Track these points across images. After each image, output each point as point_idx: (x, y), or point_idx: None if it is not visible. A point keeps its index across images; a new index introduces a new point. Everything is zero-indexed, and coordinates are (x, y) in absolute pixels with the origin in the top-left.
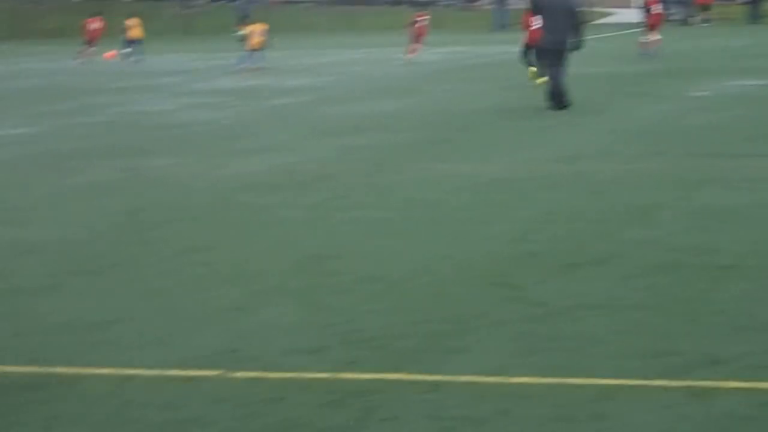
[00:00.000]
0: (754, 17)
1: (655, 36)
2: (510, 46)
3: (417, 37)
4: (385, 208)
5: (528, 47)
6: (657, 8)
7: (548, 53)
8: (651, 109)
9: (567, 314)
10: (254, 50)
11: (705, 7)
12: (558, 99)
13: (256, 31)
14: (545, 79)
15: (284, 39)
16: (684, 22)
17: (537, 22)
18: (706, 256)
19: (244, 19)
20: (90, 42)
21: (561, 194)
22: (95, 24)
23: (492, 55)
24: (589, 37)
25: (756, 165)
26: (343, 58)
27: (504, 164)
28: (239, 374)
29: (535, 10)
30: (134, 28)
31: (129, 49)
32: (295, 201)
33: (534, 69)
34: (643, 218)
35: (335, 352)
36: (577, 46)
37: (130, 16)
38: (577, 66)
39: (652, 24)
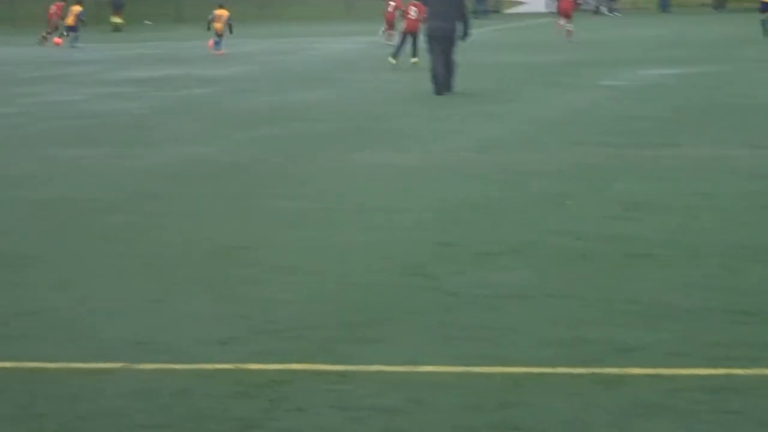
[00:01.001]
0: (664, 7)
1: (569, 24)
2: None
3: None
4: (300, 199)
5: (405, 35)
6: None
7: (437, 41)
8: (565, 98)
9: (480, 303)
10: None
11: None
12: (445, 85)
13: (222, 16)
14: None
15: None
16: (596, 12)
17: (413, 12)
18: (620, 245)
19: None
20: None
21: (476, 184)
22: (53, 8)
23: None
24: (502, 27)
25: (669, 154)
26: (259, 49)
27: (419, 154)
28: (147, 366)
29: (424, 1)
30: (73, 15)
31: (68, 35)
32: (208, 192)
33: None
34: (558, 207)
35: (246, 342)
36: (464, 35)
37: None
38: (490, 56)
39: (564, 12)
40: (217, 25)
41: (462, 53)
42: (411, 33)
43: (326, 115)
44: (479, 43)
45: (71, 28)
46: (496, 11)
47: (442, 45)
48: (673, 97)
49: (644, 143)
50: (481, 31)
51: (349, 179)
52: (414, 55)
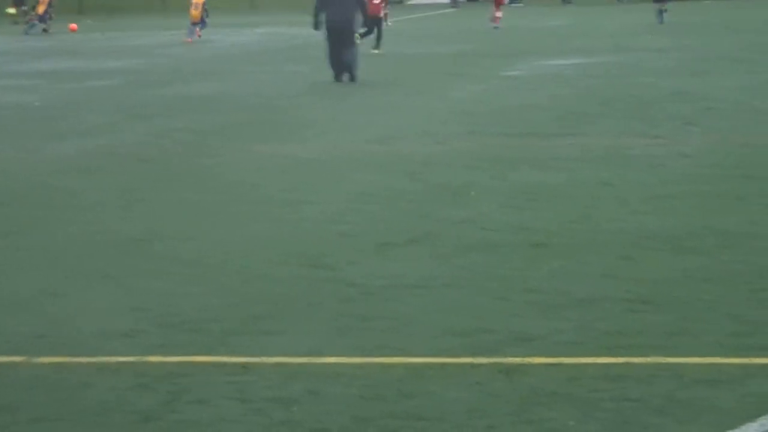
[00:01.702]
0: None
1: (498, 12)
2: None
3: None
4: (202, 191)
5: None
6: None
7: (335, 32)
8: (466, 89)
9: (380, 294)
10: (194, 23)
11: None
12: (350, 74)
13: (199, 3)
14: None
15: (99, 21)
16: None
17: None
18: (519, 235)
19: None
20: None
21: (376, 175)
22: None
23: (311, 35)
24: (404, 18)
25: (567, 144)
26: (161, 40)
27: (321, 145)
28: (48, 359)
29: None
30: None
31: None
32: (110, 185)
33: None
34: (458, 198)
35: (148, 335)
36: (362, 26)
37: None
38: (392, 47)
39: (498, 1)
40: (194, 12)
41: (366, 45)
42: (374, 18)
43: (229, 106)
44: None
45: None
46: (399, 1)
47: (340, 36)
48: (573, 88)
49: (544, 133)
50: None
51: (251, 171)
52: (377, 45)
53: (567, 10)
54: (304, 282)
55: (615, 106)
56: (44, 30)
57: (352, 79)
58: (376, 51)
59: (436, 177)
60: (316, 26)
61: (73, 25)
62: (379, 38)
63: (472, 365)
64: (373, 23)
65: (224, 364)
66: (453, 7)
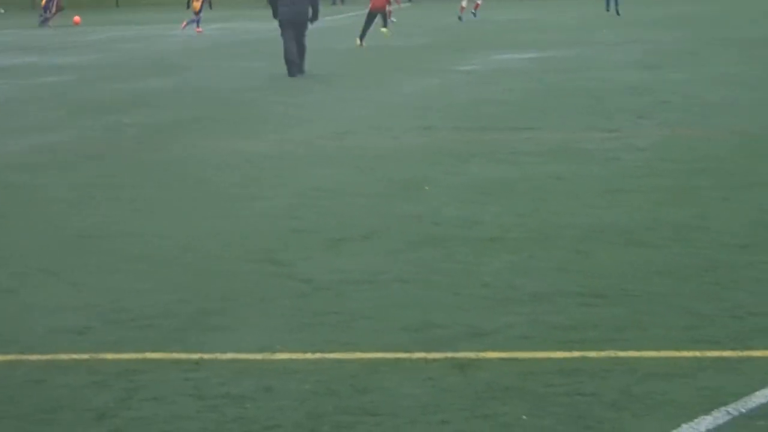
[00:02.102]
0: None
1: (464, 2)
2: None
3: None
4: (153, 187)
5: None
6: None
7: (288, 25)
8: (419, 83)
9: (332, 289)
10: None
11: None
12: (297, 67)
13: None
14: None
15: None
16: None
17: None
18: (471, 229)
19: None
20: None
21: (328, 170)
22: None
23: (264, 31)
24: (357, 12)
25: (521, 138)
26: (114, 36)
27: (273, 141)
28: None
29: None
30: None
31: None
32: (59, 181)
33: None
34: (410, 192)
35: (99, 332)
36: (313, 18)
37: None
38: (345, 41)
39: None
40: (195, 4)
41: (319, 39)
42: (379, 11)
43: (182, 102)
44: (335, 28)
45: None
46: None
47: (294, 29)
48: (527, 81)
49: (498, 127)
50: (336, 18)
51: (203, 166)
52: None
53: (523, 4)
54: (256, 277)
55: (569, 100)
56: (42, 22)
57: (301, 71)
58: (359, 43)
59: (390, 172)
60: (275, 14)
61: (77, 18)
62: (364, 32)
63: (426, 360)
64: (372, 17)
65: (178, 361)
66: (409, 1)
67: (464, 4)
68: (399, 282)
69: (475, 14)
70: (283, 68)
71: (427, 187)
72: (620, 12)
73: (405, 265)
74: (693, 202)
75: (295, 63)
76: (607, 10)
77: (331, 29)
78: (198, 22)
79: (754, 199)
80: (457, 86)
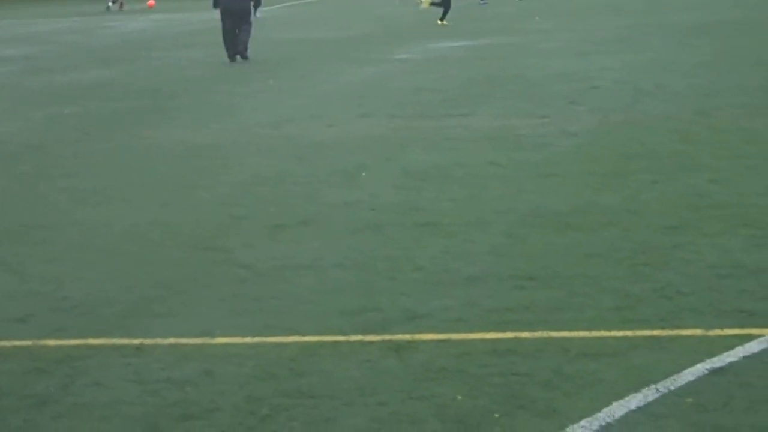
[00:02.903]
0: None
1: None
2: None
3: None
4: (94, 177)
5: None
6: None
7: (229, 15)
8: (357, 72)
9: (272, 275)
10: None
11: None
12: (244, 52)
13: None
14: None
15: None
16: None
17: None
18: (408, 215)
19: None
20: None
21: (268, 158)
22: None
23: (204, 21)
24: (296, 2)
25: (455, 125)
26: (54, 28)
27: (213, 130)
28: None
29: None
30: None
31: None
32: (2, 171)
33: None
34: (348, 179)
35: (41, 319)
36: (255, 9)
37: None
38: (284, 31)
39: None
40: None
41: (259, 29)
42: None
43: (122, 93)
44: (274, 19)
45: None
46: None
47: (234, 20)
48: (461, 70)
49: (433, 114)
50: (274, 7)
51: (142, 156)
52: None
53: None
54: (196, 264)
55: (503, 87)
56: (108, 7)
57: (245, 57)
58: (441, 23)
59: (327, 159)
60: (215, 4)
61: (151, 2)
62: (445, 12)
63: (363, 343)
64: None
65: (120, 347)
66: None
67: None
68: (337, 267)
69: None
70: (221, 57)
71: (364, 174)
72: None
73: (343, 251)
74: (624, 186)
75: (233, 49)
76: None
77: (270, 19)
78: None
79: (684, 183)
80: (394, 75)
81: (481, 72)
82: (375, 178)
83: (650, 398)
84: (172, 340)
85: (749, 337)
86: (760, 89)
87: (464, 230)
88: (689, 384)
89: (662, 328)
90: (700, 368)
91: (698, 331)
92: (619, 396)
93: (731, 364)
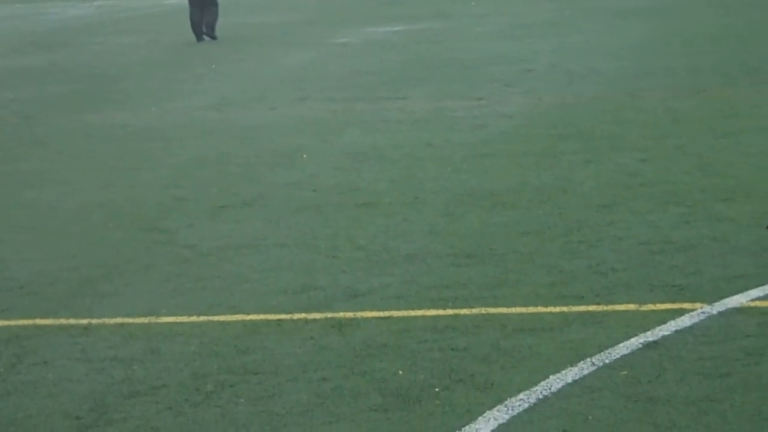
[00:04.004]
0: None
1: None
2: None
3: None
4: (38, 160)
5: None
6: None
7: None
8: (296, 56)
9: (215, 255)
10: None
11: None
12: (211, 31)
13: None
14: None
15: None
16: None
17: None
18: (347, 195)
19: None
20: None
21: (210, 140)
22: None
23: (141, 8)
24: None
25: (392, 107)
26: None
27: (154, 113)
28: None
29: None
30: None
31: None
32: None
33: None
34: (289, 161)
35: None
36: None
37: None
38: (224, 16)
39: None
40: None
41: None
42: None
43: (64, 77)
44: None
45: None
46: None
47: (199, 1)
48: (398, 53)
49: (371, 97)
50: None
51: (85, 140)
52: None
53: None
54: (140, 245)
55: (438, 70)
56: None
57: (212, 37)
58: None
59: (268, 141)
60: None
61: None
62: None
63: (306, 321)
64: None
65: (67, 326)
66: None
67: None
68: (279, 246)
69: None
70: (161, 43)
71: (305, 156)
72: None
73: (285, 231)
74: (558, 166)
75: (199, 29)
76: None
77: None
78: None
79: (616, 162)
80: (332, 58)
81: (418, 55)
82: (315, 160)
83: (586, 371)
84: (118, 320)
85: (681, 312)
86: (688, 71)
87: (402, 210)
88: (623, 357)
89: (597, 303)
90: (634, 342)
91: (632, 306)
92: (556, 370)
93: (664, 338)
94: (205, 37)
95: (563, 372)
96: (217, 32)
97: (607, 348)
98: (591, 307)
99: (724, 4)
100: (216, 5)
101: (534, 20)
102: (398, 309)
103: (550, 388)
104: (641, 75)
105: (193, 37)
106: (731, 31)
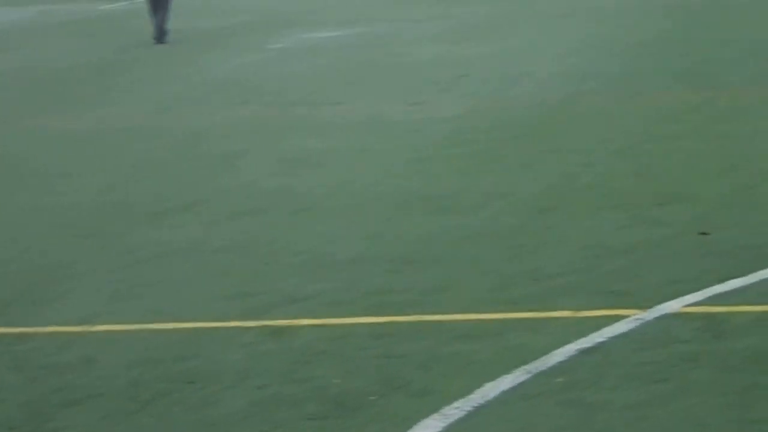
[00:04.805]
0: None
1: None
2: (94, 4)
3: None
4: None
5: None
6: None
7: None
8: (235, 61)
9: (154, 261)
10: None
11: None
12: (160, 37)
13: None
14: None
15: None
16: None
17: None
18: (286, 200)
19: None
20: None
21: (148, 145)
22: None
23: (81, 12)
24: None
25: (330, 112)
26: None
27: (94, 118)
28: None
29: None
30: None
31: None
32: None
33: None
34: (228, 165)
35: None
36: None
37: None
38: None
39: None
40: None
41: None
42: None
43: (1, 82)
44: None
45: None
46: None
47: (155, 3)
48: (335, 58)
49: (309, 102)
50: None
51: (24, 146)
52: None
53: None
54: (77, 251)
55: (376, 74)
56: None
57: (161, 40)
58: None
59: (208, 146)
60: None
61: None
62: None
63: (244, 328)
64: None
65: (0, 335)
66: None
67: None
68: (217, 252)
69: None
70: (101, 47)
71: (243, 160)
72: None
73: (224, 236)
74: (495, 170)
75: (159, 30)
76: None
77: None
78: None
79: (553, 165)
80: (270, 63)
81: (355, 60)
82: (253, 165)
83: (522, 378)
84: (53, 328)
85: (617, 317)
86: (624, 75)
87: (340, 215)
88: (560, 364)
89: (535, 309)
90: (571, 348)
91: (569, 312)
92: (493, 377)
93: (600, 344)
94: (155, 39)
95: (499, 379)
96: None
97: (544, 354)
98: (529, 313)
99: (661, 8)
100: (166, 9)
101: (471, 23)
102: (336, 315)
103: (486, 396)
104: (579, 79)
105: (132, 40)
106: (668, 35)
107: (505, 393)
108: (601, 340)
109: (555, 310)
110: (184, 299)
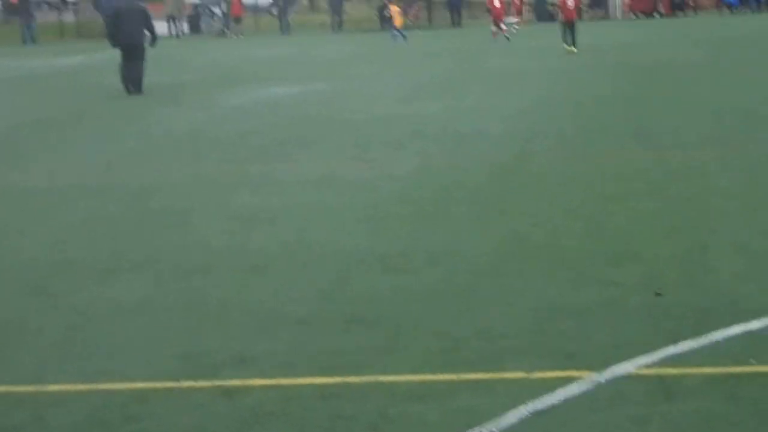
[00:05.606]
0: (285, 30)
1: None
2: (43, 60)
3: None
4: None
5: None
6: None
7: (126, 49)
8: (188, 117)
9: (103, 320)
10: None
11: (237, 20)
12: (137, 85)
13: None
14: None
15: None
16: (221, 34)
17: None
18: (238, 258)
19: None
20: None
21: (99, 201)
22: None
23: (36, 68)
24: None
25: (284, 169)
26: None
27: (45, 173)
28: None
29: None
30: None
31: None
32: None
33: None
34: (180, 222)
35: None
36: (152, 42)
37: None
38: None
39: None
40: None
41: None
42: (569, 22)
43: None
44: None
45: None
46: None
47: (132, 52)
48: (290, 115)
49: (262, 159)
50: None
51: None
52: (572, 44)
53: (286, 40)
54: (26, 310)
55: (329, 132)
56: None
57: (139, 90)
58: (569, 48)
59: (158, 202)
60: (113, 44)
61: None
62: (573, 38)
63: (194, 388)
64: (569, 25)
65: None
66: (177, 37)
67: (494, 29)
68: (168, 311)
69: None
70: (53, 103)
71: (195, 217)
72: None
73: (174, 294)
74: (446, 229)
75: (130, 81)
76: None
77: (103, 64)
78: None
79: (504, 225)
80: (224, 120)
81: (308, 117)
82: (205, 222)
83: None
84: (2, 388)
85: (569, 379)
86: (577, 134)
87: (292, 273)
88: (512, 426)
89: (486, 370)
90: (523, 410)
91: (521, 374)
92: None
93: (552, 406)
94: (131, 89)
95: None
96: (110, 91)
97: (495, 416)
98: (480, 375)
99: (613, 67)
100: (142, 60)
101: (424, 81)
102: (286, 376)
103: None
104: (531, 138)
105: (85, 97)
106: (620, 94)
107: None
108: (553, 402)
109: (507, 371)
110: (134, 359)
